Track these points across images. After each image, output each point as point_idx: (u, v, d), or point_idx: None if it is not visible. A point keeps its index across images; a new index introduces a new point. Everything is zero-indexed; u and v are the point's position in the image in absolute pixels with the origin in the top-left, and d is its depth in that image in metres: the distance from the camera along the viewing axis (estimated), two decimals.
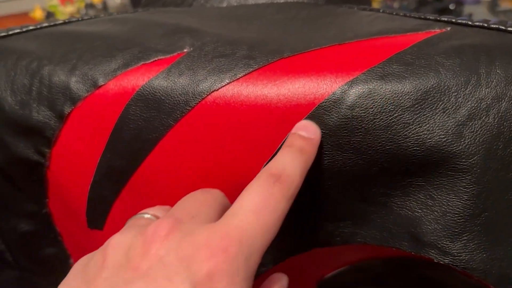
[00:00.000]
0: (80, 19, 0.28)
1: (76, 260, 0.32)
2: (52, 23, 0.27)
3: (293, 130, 0.21)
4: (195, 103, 0.21)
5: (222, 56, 0.22)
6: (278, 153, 0.21)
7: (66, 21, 0.27)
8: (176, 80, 0.22)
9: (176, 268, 0.17)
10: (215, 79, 0.21)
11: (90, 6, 1.15)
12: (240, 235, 0.18)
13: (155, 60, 0.22)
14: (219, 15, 0.27)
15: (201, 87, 0.21)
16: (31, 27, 0.26)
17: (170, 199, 0.24)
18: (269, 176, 0.20)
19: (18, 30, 0.26)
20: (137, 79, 0.22)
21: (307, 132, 0.21)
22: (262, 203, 0.19)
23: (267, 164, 0.21)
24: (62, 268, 0.33)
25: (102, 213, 0.25)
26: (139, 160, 0.23)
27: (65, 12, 1.14)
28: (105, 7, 1.24)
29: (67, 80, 0.22)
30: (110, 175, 0.23)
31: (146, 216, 0.21)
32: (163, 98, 0.22)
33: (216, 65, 0.22)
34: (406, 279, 0.27)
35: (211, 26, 0.25)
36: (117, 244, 0.18)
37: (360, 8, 0.26)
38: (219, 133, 0.22)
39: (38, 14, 1.16)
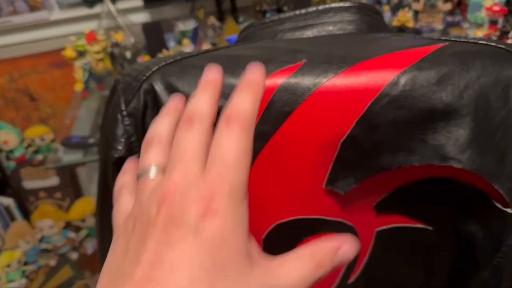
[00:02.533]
0: (220, 48, 0.42)
1: None
2: (205, 51, 0.41)
3: (243, 77, 0.27)
4: (314, 89, 0.36)
5: (325, 63, 0.37)
6: (233, 96, 0.25)
7: (216, 49, 0.42)
8: (302, 77, 0.36)
9: (182, 219, 0.22)
10: (324, 75, 0.36)
11: (115, 44, 1.29)
12: (220, 180, 0.22)
13: (287, 67, 0.37)
14: (308, 41, 0.42)
15: (316, 80, 0.36)
16: (194, 54, 0.41)
17: (293, 149, 0.38)
18: (226, 119, 0.24)
19: (187, 55, 0.41)
20: (279, 78, 0.37)
21: (252, 75, 0.27)
22: (227, 146, 0.23)
23: (226, 109, 0.25)
24: None
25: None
26: (279, 125, 0.37)
27: (92, 50, 1.27)
28: (125, 45, 1.38)
29: (236, 82, 0.37)
30: (259, 135, 0.37)
31: (151, 173, 0.26)
32: (295, 87, 0.36)
33: (323, 68, 0.37)
34: (439, 195, 0.41)
35: (309, 47, 0.40)
36: (143, 206, 0.24)
37: (392, 34, 0.42)
38: (327, 106, 0.36)
39: (70, 52, 1.29)
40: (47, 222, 1.96)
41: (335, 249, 0.25)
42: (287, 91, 0.36)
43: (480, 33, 1.38)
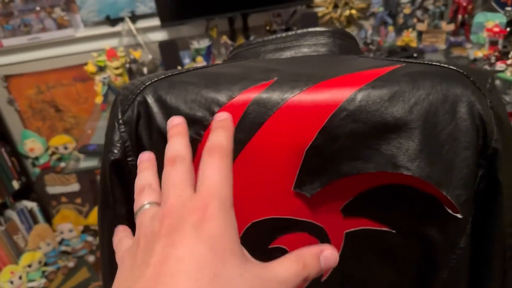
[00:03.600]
0: (208, 66, 0.47)
1: None
2: (194, 68, 0.46)
3: (214, 119, 0.35)
4: (282, 103, 0.41)
5: (294, 80, 0.41)
6: (210, 134, 0.32)
7: (203, 67, 0.47)
8: (272, 93, 0.41)
9: (183, 225, 0.25)
10: (292, 91, 0.41)
11: (133, 61, 1.36)
12: (210, 195, 0.27)
13: (260, 84, 0.42)
14: (284, 61, 0.47)
15: (285, 96, 0.41)
16: (184, 71, 0.46)
17: (265, 155, 0.42)
18: (207, 151, 0.30)
19: (177, 72, 0.46)
20: (252, 93, 0.41)
21: (220, 117, 0.35)
22: (212, 170, 0.28)
23: (206, 144, 0.32)
24: None
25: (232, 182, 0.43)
26: (252, 134, 0.41)
27: (112, 66, 1.35)
28: (142, 62, 1.45)
29: (216, 95, 0.41)
30: (235, 143, 0.41)
31: (147, 206, 0.30)
32: (266, 101, 0.41)
33: (291, 85, 0.41)
34: (398, 200, 0.44)
35: (282, 67, 0.44)
36: (145, 227, 0.28)
37: (359, 56, 0.46)
38: (294, 118, 0.41)
39: (91, 68, 1.37)
40: (67, 226, 2.04)
41: (318, 253, 0.29)
42: (259, 104, 0.41)
43: (480, 53, 1.40)
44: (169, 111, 0.43)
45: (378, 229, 0.47)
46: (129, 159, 0.45)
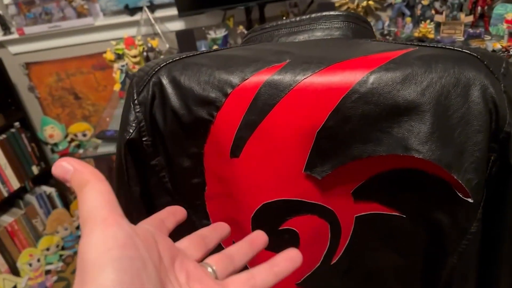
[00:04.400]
0: (221, 48, 0.47)
1: (210, 188, 0.49)
2: (207, 51, 0.47)
3: None
4: (294, 85, 0.41)
5: (306, 63, 0.41)
6: None
7: (216, 49, 0.47)
8: (284, 75, 0.41)
9: None
10: (304, 73, 0.41)
11: (150, 49, 1.37)
12: None
13: (272, 66, 0.42)
14: (296, 45, 0.47)
15: (297, 78, 0.41)
16: (197, 53, 0.46)
17: (277, 137, 0.43)
18: None
19: (191, 54, 0.46)
20: (264, 75, 0.41)
21: None
22: None
23: None
24: (199, 195, 0.50)
25: (241, 147, 0.44)
26: (264, 115, 0.42)
27: (130, 54, 1.36)
28: (159, 50, 1.46)
29: (228, 77, 0.42)
30: (248, 124, 0.42)
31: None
32: (278, 83, 0.41)
33: (304, 67, 0.41)
34: (410, 185, 0.44)
35: (295, 49, 0.44)
36: None
37: (372, 40, 0.46)
38: (305, 100, 0.41)
39: (109, 55, 1.39)
40: None
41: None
42: (271, 86, 0.41)
43: (498, 45, 1.37)
44: (183, 92, 0.43)
45: (388, 214, 0.47)
46: (143, 139, 0.46)
